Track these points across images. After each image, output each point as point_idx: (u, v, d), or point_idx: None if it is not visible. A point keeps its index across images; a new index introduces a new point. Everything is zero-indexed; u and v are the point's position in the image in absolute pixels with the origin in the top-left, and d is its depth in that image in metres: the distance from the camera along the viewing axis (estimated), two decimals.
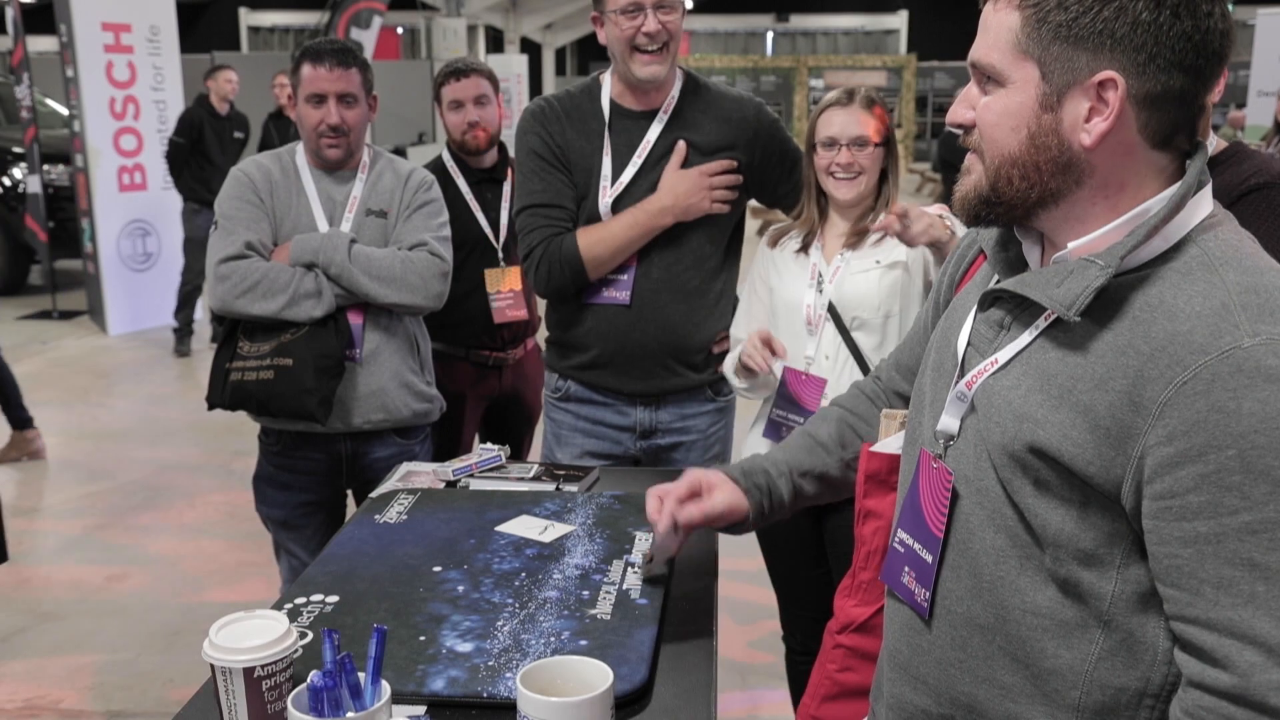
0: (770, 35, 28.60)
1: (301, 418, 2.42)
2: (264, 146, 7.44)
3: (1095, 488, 1.06)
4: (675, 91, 2.46)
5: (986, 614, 1.17)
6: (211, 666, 1.22)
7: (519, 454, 3.54)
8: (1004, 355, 1.15)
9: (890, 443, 1.47)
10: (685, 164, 2.44)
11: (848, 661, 1.56)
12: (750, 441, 2.48)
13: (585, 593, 1.55)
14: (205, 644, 1.23)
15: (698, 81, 2.52)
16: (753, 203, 2.67)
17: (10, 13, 8.17)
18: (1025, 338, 1.14)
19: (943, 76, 24.13)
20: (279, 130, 7.59)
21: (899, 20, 27.10)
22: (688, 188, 2.40)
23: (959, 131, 1.19)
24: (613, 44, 2.36)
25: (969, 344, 1.22)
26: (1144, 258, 1.07)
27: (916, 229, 2.15)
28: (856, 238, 2.33)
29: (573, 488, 1.99)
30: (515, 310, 3.23)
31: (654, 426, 2.57)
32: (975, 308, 1.23)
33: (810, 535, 2.42)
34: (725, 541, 1.72)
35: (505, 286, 3.25)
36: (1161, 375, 1.00)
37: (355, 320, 2.50)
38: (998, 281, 1.21)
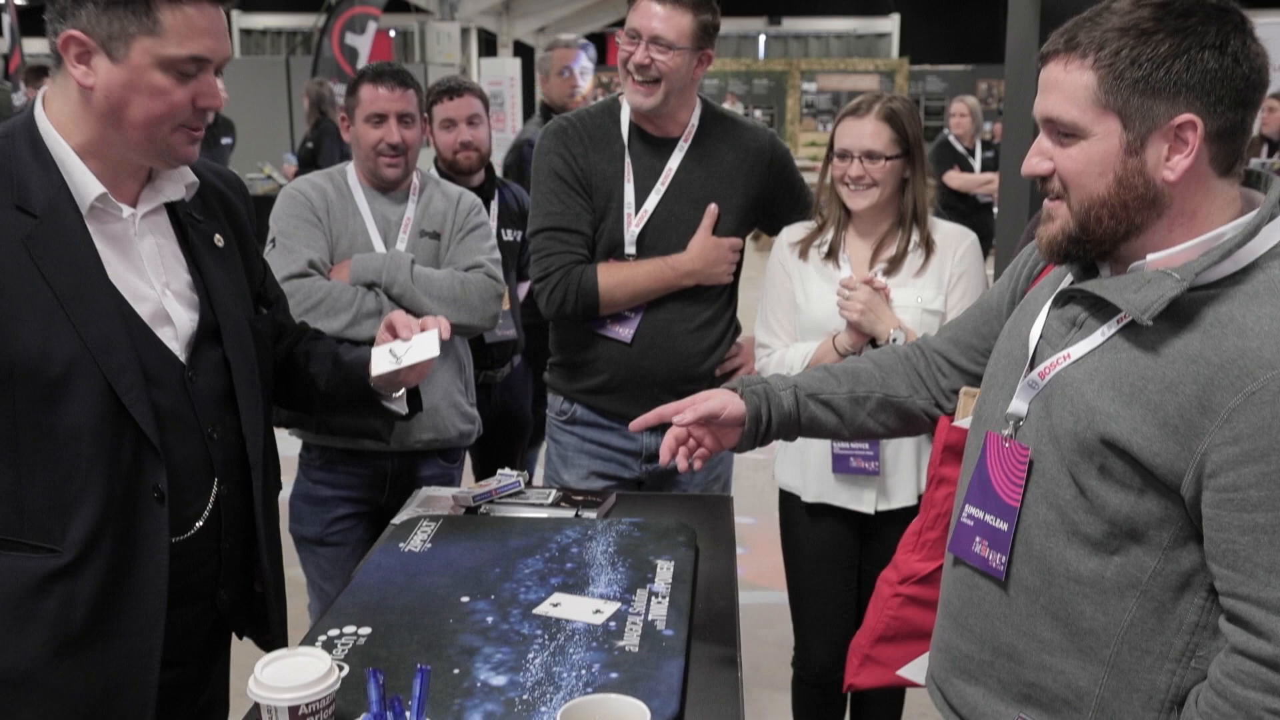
0: (762, 38, 28.67)
1: (366, 435, 2.46)
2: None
3: (1158, 477, 1.19)
4: (695, 120, 2.51)
5: (1034, 578, 1.31)
6: (256, 704, 1.25)
7: (512, 468, 3.54)
8: (1077, 351, 1.29)
9: (969, 421, 1.57)
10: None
11: (905, 608, 1.69)
12: (785, 465, 2.50)
13: (613, 624, 1.58)
14: (250, 681, 1.26)
15: (715, 111, 2.57)
16: None
17: (6, 19, 8.18)
18: (1098, 337, 1.28)
19: (934, 80, 24.20)
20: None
21: (891, 24, 27.16)
22: (716, 257, 2.48)
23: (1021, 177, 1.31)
24: (619, 65, 2.41)
25: (1041, 337, 1.35)
26: (1213, 277, 1.21)
27: (860, 315, 2.26)
28: (891, 264, 2.35)
29: (591, 514, 2.03)
30: (504, 330, 3.25)
31: (659, 450, 2.60)
32: (1049, 304, 1.36)
33: (847, 554, 2.44)
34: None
35: None
36: (1232, 384, 1.14)
37: None
38: (1073, 283, 1.34)
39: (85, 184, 1.48)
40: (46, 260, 1.43)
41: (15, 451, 1.44)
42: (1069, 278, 1.36)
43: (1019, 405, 1.34)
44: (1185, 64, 1.17)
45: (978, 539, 1.37)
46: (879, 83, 23.28)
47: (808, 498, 2.42)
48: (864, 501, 2.35)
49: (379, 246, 2.56)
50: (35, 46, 15.88)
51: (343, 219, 2.57)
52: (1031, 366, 1.34)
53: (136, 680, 1.52)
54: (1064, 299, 1.34)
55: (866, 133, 2.29)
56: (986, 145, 7.59)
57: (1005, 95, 4.55)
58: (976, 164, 7.34)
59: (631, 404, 2.54)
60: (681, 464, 1.58)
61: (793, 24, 28.48)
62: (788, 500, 2.51)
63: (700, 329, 2.52)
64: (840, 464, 2.38)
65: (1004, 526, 1.34)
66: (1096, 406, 1.23)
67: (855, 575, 2.47)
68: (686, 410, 1.58)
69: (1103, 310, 1.28)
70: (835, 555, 2.44)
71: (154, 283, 1.55)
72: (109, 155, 1.50)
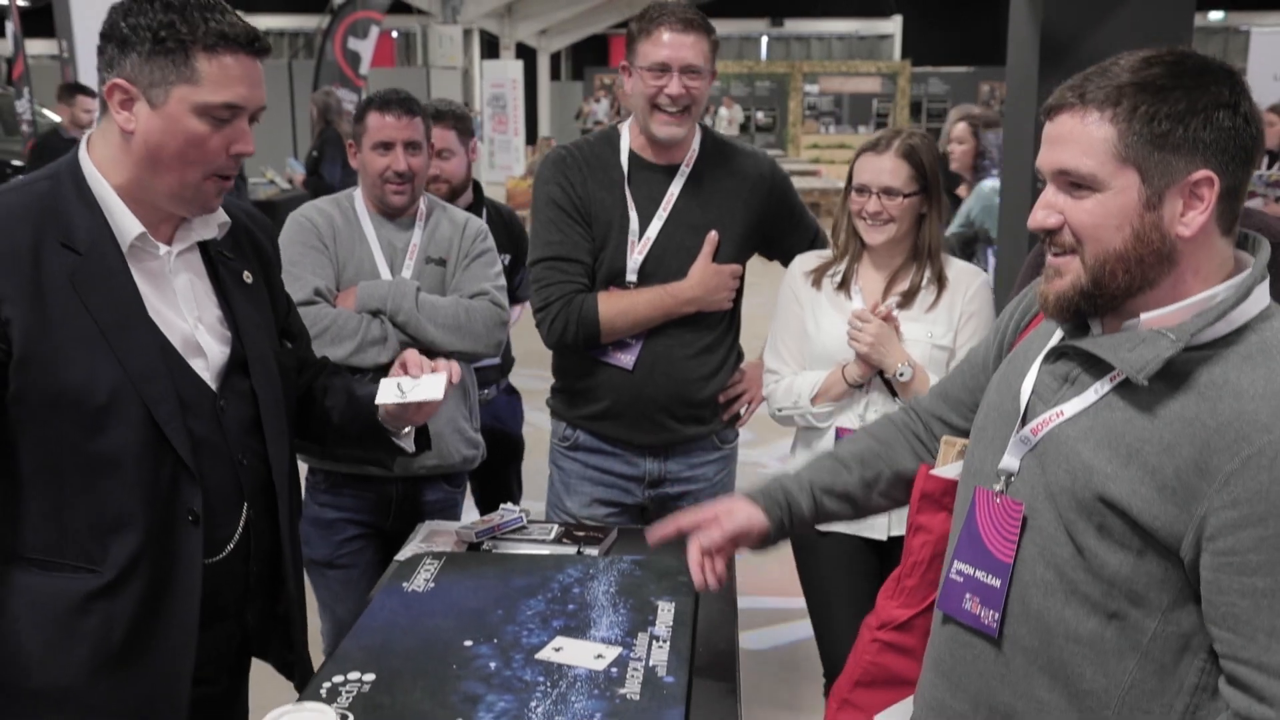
0: (765, 40, 28.70)
1: (369, 463, 2.48)
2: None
3: (1158, 539, 1.20)
4: (695, 147, 2.53)
5: (1031, 638, 1.30)
6: None
7: (508, 491, 3.54)
8: (1070, 408, 1.29)
9: (948, 469, 1.59)
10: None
11: (883, 654, 1.68)
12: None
13: (614, 670, 1.60)
14: None
15: (715, 138, 2.59)
16: None
17: (10, 26, 8.19)
18: (1091, 394, 1.28)
19: (936, 82, 24.23)
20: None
21: (893, 25, 27.20)
22: (717, 284, 2.49)
23: (1042, 232, 1.28)
24: (637, 98, 2.43)
25: (1033, 392, 1.35)
26: (1207, 337, 1.21)
27: (870, 347, 2.27)
28: (904, 297, 2.36)
29: (593, 550, 2.05)
30: None
31: (662, 476, 2.62)
32: (1040, 358, 1.36)
33: (867, 572, 2.41)
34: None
35: None
36: (1229, 448, 1.15)
37: None
38: (1064, 338, 1.34)
39: (126, 223, 1.56)
40: (90, 295, 1.52)
41: (60, 476, 1.51)
42: (1059, 333, 1.36)
43: (1010, 461, 1.34)
44: (1203, 122, 1.18)
45: (968, 595, 1.37)
46: (881, 85, 23.29)
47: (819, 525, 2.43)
48: (876, 528, 2.36)
49: (385, 273, 2.58)
50: (36, 48, 15.90)
51: (349, 245, 2.58)
52: (1024, 422, 1.34)
53: (170, 696, 1.58)
54: (1056, 355, 1.34)
55: (885, 169, 2.30)
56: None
57: (1006, 100, 4.57)
58: None
59: (634, 429, 2.57)
60: (713, 583, 1.61)
61: (795, 25, 28.50)
62: None
63: (701, 354, 2.54)
64: None
65: (997, 583, 1.34)
66: (1093, 465, 1.24)
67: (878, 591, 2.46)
68: (713, 529, 1.61)
69: (1096, 367, 1.28)
70: (855, 574, 2.42)
71: (186, 316, 1.63)
72: (145, 198, 1.58)
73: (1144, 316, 1.26)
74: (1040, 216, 1.28)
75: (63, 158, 1.62)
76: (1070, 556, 1.27)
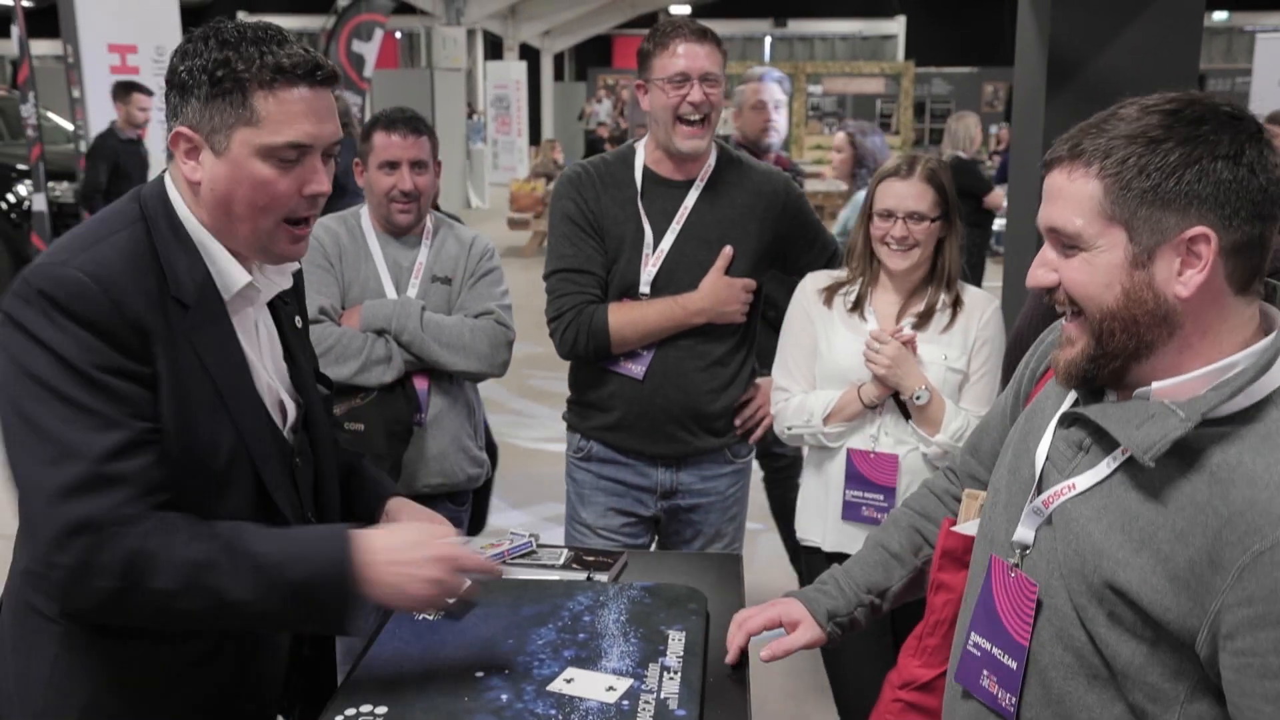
0: (768, 40, 28.69)
1: None
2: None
3: (1171, 632, 1.13)
4: (711, 161, 2.55)
5: None
6: None
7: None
8: (1082, 482, 1.23)
9: (970, 525, 1.56)
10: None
11: (905, 714, 1.67)
12: (805, 519, 2.50)
13: (626, 703, 1.60)
14: None
15: (730, 155, 2.60)
16: None
17: (15, 31, 8.19)
18: (1103, 468, 1.21)
19: (940, 83, 24.19)
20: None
21: (897, 26, 27.17)
22: (727, 296, 2.50)
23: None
24: (657, 112, 2.46)
25: (1048, 458, 1.29)
26: (1224, 412, 1.13)
27: (888, 369, 2.28)
28: (920, 318, 2.36)
29: (603, 576, 2.05)
30: None
31: (675, 488, 2.63)
32: (1055, 421, 1.30)
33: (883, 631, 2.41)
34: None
35: None
36: (1240, 540, 1.08)
37: (421, 385, 2.59)
38: (1076, 401, 1.28)
39: (232, 272, 1.49)
40: (206, 352, 1.44)
41: None
42: (1073, 393, 1.31)
43: (1025, 533, 1.28)
44: (1197, 174, 1.11)
45: (985, 672, 1.33)
46: (885, 85, 23.25)
47: (827, 548, 2.43)
48: None
49: (391, 292, 2.58)
50: (40, 49, 15.89)
51: (355, 263, 2.59)
52: (1038, 489, 1.28)
53: None
54: (1070, 419, 1.28)
55: (911, 194, 2.30)
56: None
57: (1013, 111, 4.57)
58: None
59: (645, 440, 2.59)
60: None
61: (798, 26, 28.49)
62: (810, 556, 2.52)
63: (712, 367, 2.55)
64: (850, 511, 2.39)
65: (1014, 665, 1.28)
66: (1104, 550, 1.17)
67: (889, 624, 2.42)
68: (777, 647, 1.68)
69: (1107, 437, 1.22)
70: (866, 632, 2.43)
71: (269, 369, 1.58)
72: (232, 245, 1.50)
73: (1155, 386, 1.19)
74: (1039, 275, 1.24)
75: (144, 191, 1.52)
76: (1086, 641, 1.21)
